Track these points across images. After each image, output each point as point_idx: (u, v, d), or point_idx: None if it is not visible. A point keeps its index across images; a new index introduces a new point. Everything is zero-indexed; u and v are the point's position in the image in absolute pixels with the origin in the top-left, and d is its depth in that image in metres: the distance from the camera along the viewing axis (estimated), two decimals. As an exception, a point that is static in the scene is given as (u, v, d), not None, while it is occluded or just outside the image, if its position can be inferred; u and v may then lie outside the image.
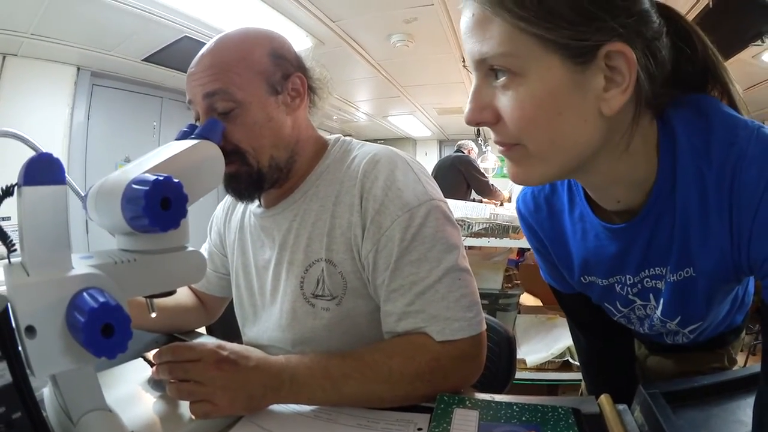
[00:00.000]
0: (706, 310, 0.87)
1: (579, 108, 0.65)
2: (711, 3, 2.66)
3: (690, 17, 2.75)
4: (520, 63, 0.64)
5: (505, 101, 0.67)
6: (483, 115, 0.69)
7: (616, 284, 0.93)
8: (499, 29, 0.64)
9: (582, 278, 0.97)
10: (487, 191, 5.15)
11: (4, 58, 3.76)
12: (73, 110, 4.33)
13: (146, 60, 4.33)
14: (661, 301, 0.89)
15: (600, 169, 0.74)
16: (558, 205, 0.94)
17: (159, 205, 0.61)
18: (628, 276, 0.89)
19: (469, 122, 0.71)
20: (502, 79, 0.66)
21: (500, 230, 2.72)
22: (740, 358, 1.21)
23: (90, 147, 4.47)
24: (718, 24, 2.84)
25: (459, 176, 5.11)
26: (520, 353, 2.54)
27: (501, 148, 0.72)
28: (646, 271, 0.86)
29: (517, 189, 5.27)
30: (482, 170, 5.38)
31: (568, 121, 0.66)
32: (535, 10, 0.61)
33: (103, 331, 0.56)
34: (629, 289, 0.92)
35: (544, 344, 2.68)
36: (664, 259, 0.82)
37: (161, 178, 0.62)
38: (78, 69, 4.31)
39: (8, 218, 0.68)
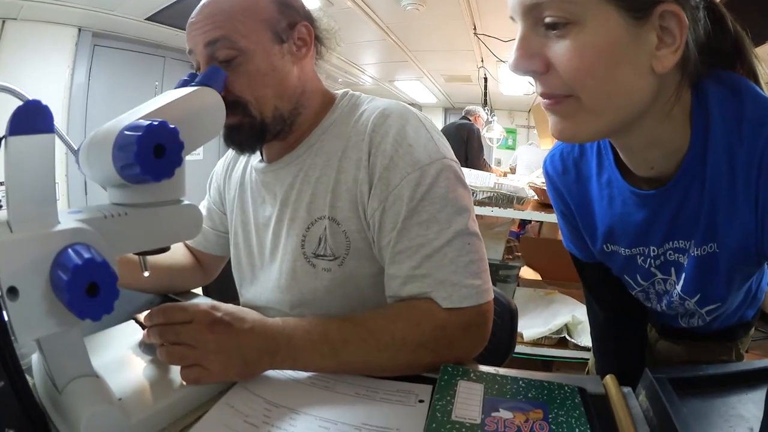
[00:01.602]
0: (726, 291, 0.87)
1: (635, 62, 0.65)
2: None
3: None
4: (578, 11, 0.62)
5: (560, 50, 0.65)
6: (533, 63, 0.67)
7: (638, 255, 0.93)
8: None
9: (605, 246, 0.97)
10: (476, 165, 5.10)
11: (3, 22, 3.73)
12: (73, 71, 4.33)
13: (149, 19, 4.31)
14: (683, 276, 0.89)
15: (642, 131, 0.74)
16: (586, 170, 0.93)
17: (152, 153, 0.58)
18: (652, 247, 0.90)
19: (517, 70, 0.68)
20: (555, 28, 0.64)
21: (504, 200, 2.70)
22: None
23: (90, 108, 4.48)
24: (747, 11, 2.78)
25: (460, 143, 5.11)
26: (518, 327, 2.54)
27: (547, 101, 0.70)
28: (671, 243, 0.86)
29: (522, 160, 5.31)
30: (482, 143, 5.39)
31: (624, 74, 0.65)
32: None
33: (88, 291, 0.53)
34: (652, 261, 0.92)
35: (542, 319, 2.68)
36: (690, 232, 0.82)
37: (155, 123, 0.59)
38: (79, 30, 4.30)
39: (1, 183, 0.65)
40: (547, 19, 0.64)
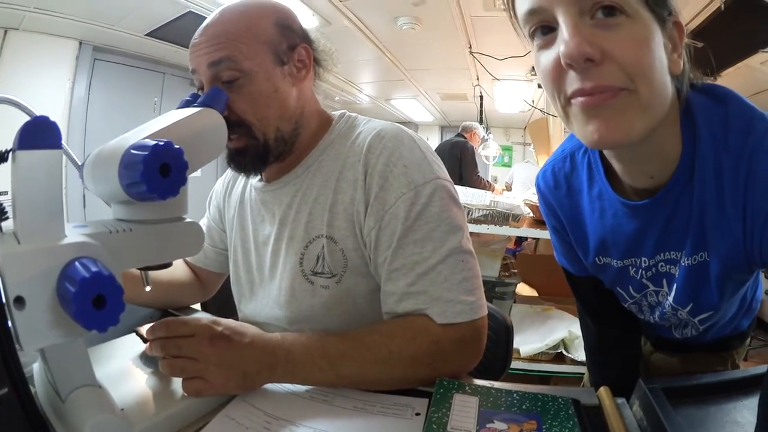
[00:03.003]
0: (718, 299, 0.87)
1: (664, 61, 0.67)
2: (722, 6, 2.65)
3: (700, 19, 2.78)
4: (632, 5, 0.63)
5: (620, 38, 0.63)
6: (591, 50, 0.62)
7: (630, 267, 0.94)
8: None
9: (597, 259, 0.97)
10: (471, 182, 5.08)
11: (5, 32, 3.73)
12: (74, 85, 4.32)
13: (149, 35, 4.31)
14: (674, 287, 0.90)
15: (653, 138, 0.71)
16: (577, 184, 0.94)
17: (158, 172, 0.59)
18: (643, 258, 0.90)
19: (578, 55, 0.62)
20: (612, 15, 0.63)
21: (500, 218, 2.71)
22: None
23: (90, 122, 4.47)
24: (728, 27, 2.83)
25: (455, 162, 5.11)
26: (514, 343, 2.54)
27: (594, 98, 0.65)
28: (662, 254, 0.88)
29: (518, 177, 5.32)
30: (476, 160, 5.40)
31: (662, 71, 0.67)
32: None
33: (95, 303, 0.54)
34: (643, 272, 0.92)
35: (539, 335, 2.68)
36: (680, 241, 0.84)
37: (161, 143, 0.60)
38: (80, 43, 4.30)
39: (5, 192, 0.66)
40: (607, 1, 0.62)
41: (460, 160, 5.14)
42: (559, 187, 0.97)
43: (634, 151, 0.78)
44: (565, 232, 1.01)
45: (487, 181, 5.71)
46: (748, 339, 1.20)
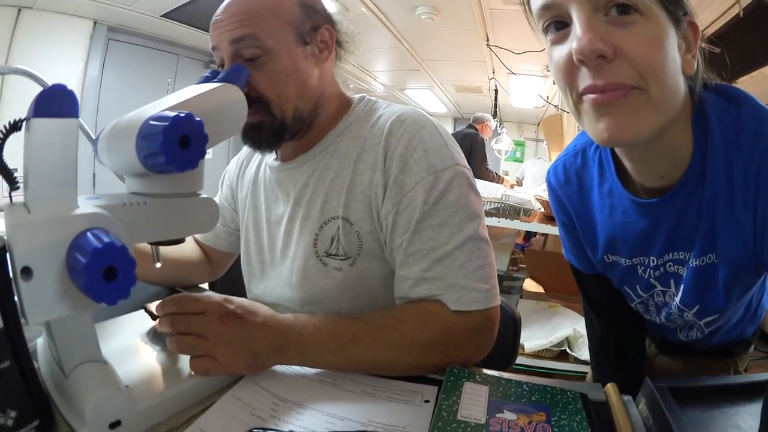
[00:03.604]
0: (724, 302, 0.87)
1: (677, 60, 0.68)
2: (741, 12, 2.62)
3: (718, 25, 2.76)
4: (646, 3, 0.63)
5: (633, 36, 0.64)
6: (604, 46, 0.63)
7: (639, 266, 0.94)
8: None
9: (605, 257, 0.98)
10: (479, 174, 5.07)
11: (19, 11, 3.74)
12: (87, 65, 4.34)
13: (165, 16, 4.31)
14: (682, 287, 0.90)
15: (664, 138, 0.72)
16: (588, 180, 0.94)
17: (177, 143, 0.59)
18: (652, 258, 0.91)
19: (589, 51, 0.63)
20: (626, 13, 0.63)
21: (511, 211, 2.71)
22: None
23: (102, 102, 4.50)
24: (746, 34, 2.80)
25: (465, 153, 5.08)
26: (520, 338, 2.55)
27: (606, 95, 0.66)
28: (670, 254, 0.88)
29: (530, 173, 5.32)
30: (485, 152, 5.39)
31: (674, 70, 0.67)
32: None
33: (106, 275, 0.53)
34: (651, 271, 0.92)
35: (544, 332, 2.69)
36: (689, 243, 0.84)
37: (182, 114, 0.59)
38: (95, 23, 4.31)
39: (15, 170, 0.65)
40: (615, 6, 0.63)
41: (470, 151, 5.13)
42: (569, 183, 0.98)
43: (644, 149, 0.79)
44: (574, 228, 1.02)
45: (497, 173, 5.69)
46: (752, 347, 1.20)
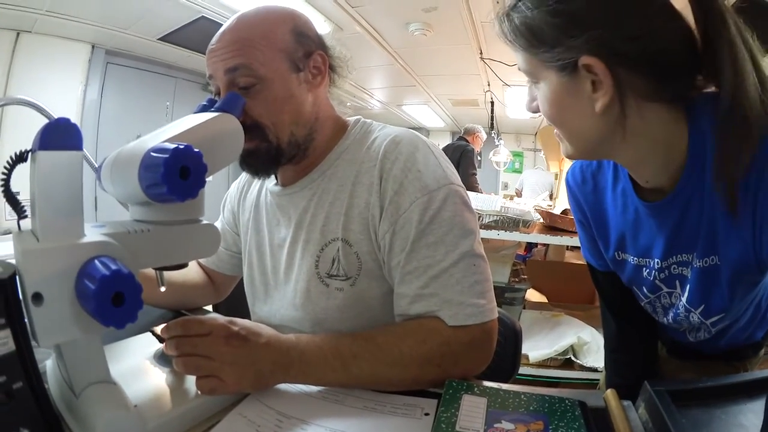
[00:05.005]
0: (729, 301, 0.89)
1: (576, 108, 0.79)
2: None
3: None
4: (536, 76, 0.81)
5: (538, 99, 0.83)
6: (533, 105, 0.86)
7: (644, 267, 0.97)
8: (521, 56, 0.82)
9: (616, 254, 1.02)
10: (467, 185, 5.05)
11: (18, 34, 3.77)
12: (86, 88, 4.37)
13: (162, 39, 4.35)
14: (687, 287, 0.92)
15: (617, 153, 0.85)
16: (602, 181, 1.00)
17: (178, 174, 0.61)
18: (656, 260, 0.93)
19: (528, 110, 0.88)
20: (536, 82, 0.83)
21: (510, 223, 2.72)
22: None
23: (102, 125, 4.51)
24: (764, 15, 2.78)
25: (455, 165, 5.10)
26: (523, 349, 2.54)
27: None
28: (674, 257, 0.90)
29: (528, 183, 5.33)
30: (474, 163, 5.41)
31: (572, 118, 0.81)
32: (529, 42, 0.78)
33: (114, 300, 0.55)
34: (656, 273, 0.95)
35: (548, 341, 2.68)
36: (691, 244, 0.86)
37: (181, 146, 0.61)
38: (93, 47, 4.35)
39: (17, 193, 0.68)
40: (527, 77, 0.84)
41: (458, 162, 5.16)
42: (586, 183, 1.02)
43: (618, 160, 0.90)
44: (589, 226, 1.05)
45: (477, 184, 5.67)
46: (762, 350, 1.20)
